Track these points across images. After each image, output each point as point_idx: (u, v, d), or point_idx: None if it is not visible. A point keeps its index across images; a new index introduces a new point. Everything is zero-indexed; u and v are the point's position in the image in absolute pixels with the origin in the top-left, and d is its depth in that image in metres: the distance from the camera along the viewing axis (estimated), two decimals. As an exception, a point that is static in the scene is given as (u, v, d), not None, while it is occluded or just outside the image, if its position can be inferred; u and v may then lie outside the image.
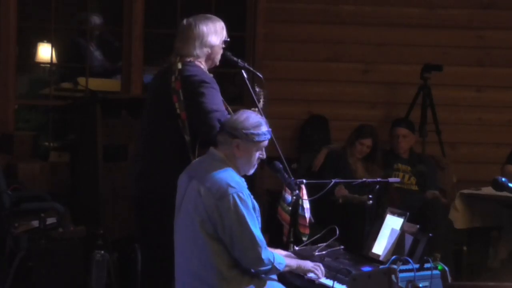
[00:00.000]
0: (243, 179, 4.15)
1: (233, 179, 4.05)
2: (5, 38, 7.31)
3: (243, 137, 4.08)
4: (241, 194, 4.00)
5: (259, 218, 4.10)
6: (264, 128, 4.14)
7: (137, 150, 4.86)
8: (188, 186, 4.13)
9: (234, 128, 4.10)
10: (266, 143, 4.18)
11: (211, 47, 4.61)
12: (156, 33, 7.77)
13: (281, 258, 4.12)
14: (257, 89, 4.82)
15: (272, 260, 4.04)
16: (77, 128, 7.03)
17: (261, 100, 4.84)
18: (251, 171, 4.22)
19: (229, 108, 4.68)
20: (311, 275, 4.24)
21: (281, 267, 4.09)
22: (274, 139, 4.72)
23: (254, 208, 4.06)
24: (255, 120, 4.13)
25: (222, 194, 3.98)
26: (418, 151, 7.10)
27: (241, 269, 4.03)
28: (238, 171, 4.14)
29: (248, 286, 4.02)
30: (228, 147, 4.12)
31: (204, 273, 4.01)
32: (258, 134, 4.10)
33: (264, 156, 4.22)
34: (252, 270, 4.05)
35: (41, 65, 8.80)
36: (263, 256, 4.01)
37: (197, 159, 4.35)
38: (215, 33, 4.61)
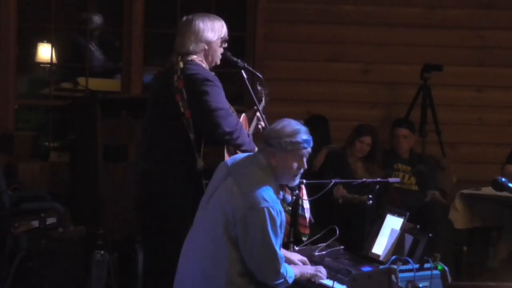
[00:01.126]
0: (278, 191, 4.03)
1: (268, 194, 3.94)
2: (5, 38, 7.31)
3: (277, 146, 3.99)
4: (272, 211, 3.89)
5: (282, 235, 4.02)
6: (302, 137, 4.02)
7: (140, 151, 4.85)
8: (224, 180, 4.05)
9: (270, 137, 4.03)
10: (304, 152, 4.05)
11: (208, 43, 4.61)
12: (156, 33, 7.77)
13: (291, 271, 4.09)
14: (258, 88, 4.81)
15: (285, 274, 4.02)
16: (77, 128, 7.03)
17: (263, 99, 4.84)
18: (294, 182, 4.13)
19: (232, 107, 4.69)
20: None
21: (290, 280, 4.07)
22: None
23: (281, 225, 3.97)
24: (291, 129, 4.02)
25: (253, 205, 3.89)
26: (418, 151, 7.10)
27: (249, 278, 4.00)
28: (277, 180, 4.04)
29: None
30: (266, 155, 4.03)
31: (213, 273, 3.98)
32: (292, 143, 3.99)
33: (305, 166, 4.08)
34: (266, 282, 4.03)
35: (41, 65, 8.80)
36: (282, 270, 3.99)
37: (241, 155, 4.25)
38: (212, 29, 4.61)
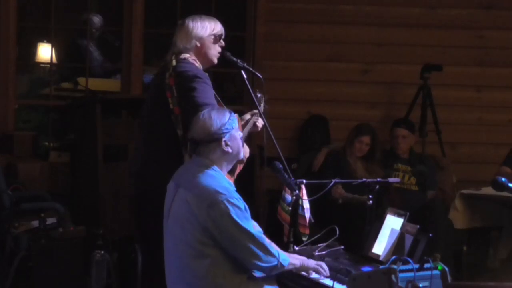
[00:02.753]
0: (231, 183, 4.11)
1: (220, 185, 3.99)
2: (5, 38, 7.31)
3: (225, 134, 4.06)
4: (231, 199, 3.94)
5: (251, 220, 4.05)
6: (228, 113, 4.13)
7: (136, 149, 4.87)
8: (175, 194, 4.09)
9: (213, 133, 4.06)
10: (237, 123, 4.18)
11: (199, 39, 4.63)
12: (156, 33, 7.78)
13: (284, 255, 4.11)
14: (258, 95, 4.80)
15: (277, 255, 4.03)
16: (77, 128, 7.03)
17: (262, 105, 4.84)
18: (242, 154, 4.19)
19: (225, 107, 4.69)
20: (314, 274, 4.24)
21: (285, 264, 4.07)
22: (274, 139, 4.73)
23: (246, 209, 4.01)
24: (218, 115, 4.10)
25: (212, 201, 3.93)
26: (418, 151, 7.10)
27: (236, 275, 4.00)
28: (228, 167, 4.12)
29: None
30: (218, 151, 4.07)
31: (198, 282, 3.98)
32: (231, 120, 4.10)
33: (242, 132, 4.22)
34: (258, 274, 4.04)
35: (41, 65, 8.80)
36: (270, 248, 4.00)
37: (182, 165, 4.30)
38: (202, 26, 4.65)
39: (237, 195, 4.01)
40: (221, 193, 3.94)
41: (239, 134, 4.16)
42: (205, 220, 3.93)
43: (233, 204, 3.94)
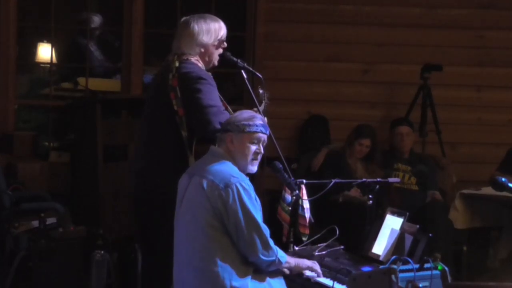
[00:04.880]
0: (243, 175, 4.17)
1: (234, 171, 4.11)
2: (5, 38, 7.31)
3: (234, 129, 4.15)
4: (243, 184, 4.05)
5: (260, 211, 4.11)
6: (257, 121, 4.18)
7: (137, 149, 4.87)
8: (189, 184, 4.15)
9: (227, 123, 4.19)
10: (260, 136, 4.19)
11: (203, 46, 4.63)
12: (156, 33, 7.77)
13: (282, 252, 4.16)
14: (260, 91, 4.81)
15: (276, 251, 4.08)
16: (77, 128, 7.03)
17: (264, 102, 4.83)
18: (251, 168, 4.21)
19: (229, 108, 4.69)
20: (308, 273, 4.25)
21: (283, 261, 4.13)
22: (274, 139, 4.73)
23: (256, 198, 4.10)
24: (248, 114, 4.21)
25: (225, 184, 4.03)
26: (418, 151, 7.10)
27: (242, 265, 4.05)
28: (238, 166, 4.17)
29: (248, 277, 4.04)
30: (225, 145, 4.17)
31: (208, 267, 4.02)
32: (249, 125, 4.15)
33: (262, 151, 4.23)
34: (258, 262, 4.07)
35: (41, 65, 8.79)
36: (271, 244, 4.06)
37: (197, 160, 4.36)
38: (207, 32, 4.63)
39: (247, 182, 4.10)
40: (234, 177, 4.05)
41: (252, 147, 4.16)
42: (216, 202, 4.01)
43: (244, 189, 4.03)
